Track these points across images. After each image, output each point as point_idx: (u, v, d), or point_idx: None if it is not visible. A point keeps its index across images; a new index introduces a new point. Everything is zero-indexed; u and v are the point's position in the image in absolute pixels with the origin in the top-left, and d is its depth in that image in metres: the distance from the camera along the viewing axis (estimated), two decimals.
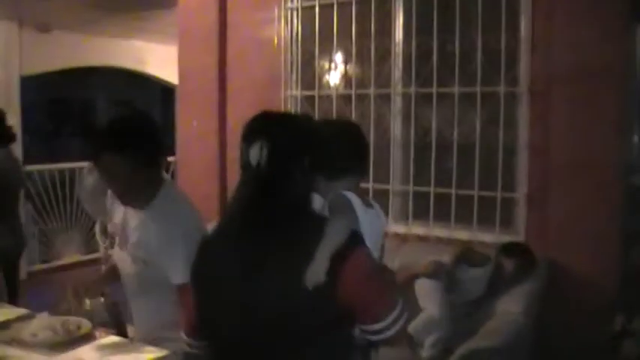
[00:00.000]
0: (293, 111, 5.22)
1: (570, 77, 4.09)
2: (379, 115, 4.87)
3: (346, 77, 5.11)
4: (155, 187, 2.52)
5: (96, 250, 7.17)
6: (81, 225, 7.80)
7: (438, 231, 4.58)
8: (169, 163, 9.04)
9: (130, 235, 2.57)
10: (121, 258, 2.65)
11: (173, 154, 9.21)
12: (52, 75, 8.96)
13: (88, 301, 2.71)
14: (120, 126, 2.46)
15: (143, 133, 2.47)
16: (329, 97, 5.12)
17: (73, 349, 2.46)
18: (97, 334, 2.62)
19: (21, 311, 2.88)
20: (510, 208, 4.43)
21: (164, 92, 10.77)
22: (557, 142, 4.18)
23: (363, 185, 2.74)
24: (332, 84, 5.19)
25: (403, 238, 4.66)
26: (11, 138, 4.67)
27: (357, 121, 4.85)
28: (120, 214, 2.64)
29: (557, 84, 4.16)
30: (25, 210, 7.28)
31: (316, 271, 1.66)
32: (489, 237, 4.38)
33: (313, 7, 5.12)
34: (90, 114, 20.73)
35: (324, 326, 1.73)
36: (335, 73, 5.19)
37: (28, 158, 7.64)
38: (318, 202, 2.15)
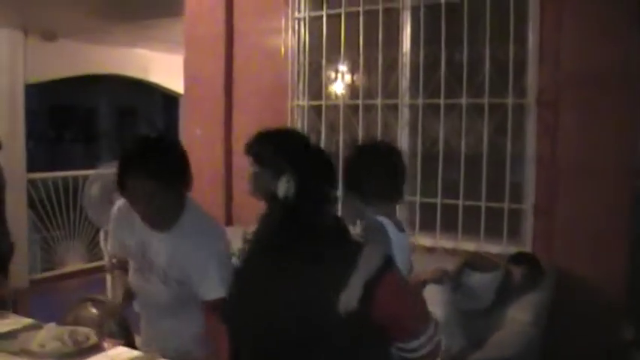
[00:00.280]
0: (299, 121, 5.23)
1: (578, 88, 4.09)
2: (386, 126, 4.85)
3: (353, 87, 5.09)
4: (181, 206, 2.50)
5: (99, 259, 7.17)
6: (84, 233, 7.79)
7: (445, 242, 4.56)
8: None
9: (155, 258, 2.52)
10: (145, 281, 2.59)
11: None
12: (55, 83, 8.97)
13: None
14: (152, 150, 2.40)
15: (176, 157, 2.44)
16: (336, 107, 5.10)
17: None
18: (106, 345, 2.59)
19: (27, 321, 2.85)
20: (518, 218, 4.40)
21: (167, 100, 10.77)
22: (564, 153, 4.17)
23: None
24: (339, 94, 5.17)
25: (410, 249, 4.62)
26: None
27: (364, 131, 4.88)
28: (136, 237, 2.58)
29: (565, 95, 4.15)
30: (27, 217, 7.29)
31: (349, 298, 1.71)
32: (496, 248, 4.34)
33: (320, 17, 5.11)
34: (93, 121, 20.79)
35: (359, 349, 1.78)
36: (342, 83, 5.17)
37: (32, 165, 7.64)
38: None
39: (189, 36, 5.84)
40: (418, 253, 4.53)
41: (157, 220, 2.45)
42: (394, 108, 4.82)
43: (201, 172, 5.77)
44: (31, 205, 7.41)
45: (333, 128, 5.11)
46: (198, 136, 5.77)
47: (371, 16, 4.86)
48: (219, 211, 5.40)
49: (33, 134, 8.33)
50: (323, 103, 5.16)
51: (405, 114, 4.78)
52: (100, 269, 5.72)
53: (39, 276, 7.38)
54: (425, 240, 4.64)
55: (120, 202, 2.64)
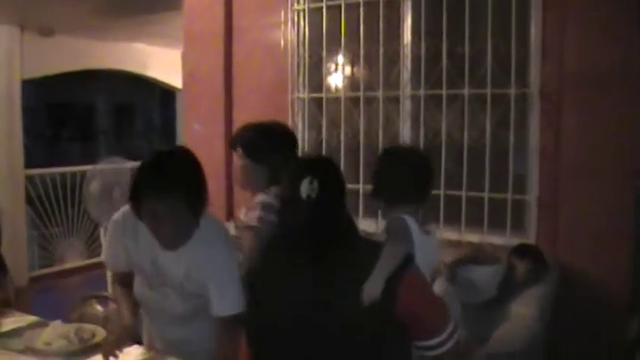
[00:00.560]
0: (300, 114, 5.22)
1: (581, 79, 4.06)
2: (388, 118, 4.83)
3: (354, 79, 5.07)
4: (198, 222, 2.39)
5: (97, 255, 7.14)
6: (83, 229, 7.75)
7: (449, 234, 4.53)
8: None
9: (170, 273, 2.42)
10: (157, 294, 2.50)
11: None
12: (52, 79, 8.92)
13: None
14: (167, 170, 2.28)
15: (192, 173, 2.36)
16: (337, 99, 5.08)
17: (88, 357, 2.42)
18: None
19: (32, 318, 2.83)
20: (521, 210, 4.39)
21: (165, 95, 10.75)
22: (568, 145, 4.15)
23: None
24: (340, 86, 5.14)
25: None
26: None
27: (365, 124, 4.86)
28: (144, 252, 2.45)
29: (568, 86, 4.12)
30: (25, 214, 7.26)
31: (372, 289, 1.78)
32: (500, 240, 4.33)
33: (320, 8, 5.08)
34: (90, 118, 20.74)
35: (382, 345, 1.84)
36: (343, 75, 5.14)
37: (30, 161, 7.61)
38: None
39: (188, 31, 5.80)
40: None
41: (176, 239, 2.35)
42: (395, 100, 4.80)
43: None
44: (29, 201, 7.36)
45: (334, 121, 5.08)
46: (197, 132, 5.74)
47: (371, 7, 4.83)
48: (219, 207, 5.37)
49: (30, 131, 8.27)
50: (324, 95, 5.13)
51: (406, 106, 4.75)
52: (100, 265, 5.69)
53: (38, 273, 7.34)
54: None
55: (123, 210, 2.49)
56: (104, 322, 2.74)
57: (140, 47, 9.03)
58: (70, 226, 7.75)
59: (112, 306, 3.01)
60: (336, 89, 5.16)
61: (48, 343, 2.48)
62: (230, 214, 5.44)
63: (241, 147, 2.91)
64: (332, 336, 1.83)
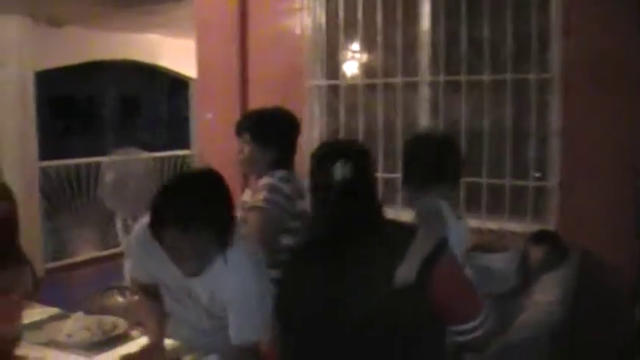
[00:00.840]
0: (316, 101, 5.16)
1: (603, 63, 4.00)
2: (406, 105, 4.78)
3: (372, 66, 4.99)
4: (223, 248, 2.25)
5: (113, 246, 7.13)
6: (97, 221, 7.73)
7: (469, 221, 4.45)
8: (186, 158, 9.03)
9: (193, 292, 2.34)
10: (184, 309, 2.43)
11: (188, 148, 9.30)
12: (62, 71, 8.90)
13: None
14: (194, 198, 2.11)
15: (218, 198, 2.19)
16: (354, 86, 5.02)
17: (111, 349, 2.40)
18: (134, 333, 2.56)
19: (53, 310, 2.82)
20: (542, 197, 4.34)
21: (177, 85, 10.73)
22: (589, 130, 4.09)
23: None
24: (357, 73, 5.08)
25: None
26: None
27: (383, 110, 4.81)
28: (169, 273, 2.32)
29: (589, 70, 4.06)
30: (40, 206, 7.26)
31: (406, 272, 1.76)
32: (521, 227, 4.29)
33: None
34: (100, 109, 20.77)
35: (416, 330, 1.82)
36: (360, 61, 5.08)
37: (43, 154, 7.60)
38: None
39: (201, 19, 5.74)
40: None
41: (196, 270, 2.21)
42: (414, 86, 4.74)
43: (216, 158, 5.72)
44: (44, 193, 7.35)
45: (351, 108, 5.02)
46: (211, 121, 5.70)
47: None
48: (235, 197, 5.32)
49: (43, 123, 8.27)
50: (341, 82, 5.08)
51: (425, 92, 4.69)
52: (114, 257, 5.68)
53: (53, 265, 7.33)
54: None
55: (144, 225, 2.29)
56: (125, 313, 2.70)
57: (151, 37, 8.98)
58: (85, 217, 7.75)
59: (133, 297, 2.97)
60: (353, 76, 5.10)
61: (70, 335, 2.45)
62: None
63: (248, 132, 3.00)
64: (365, 323, 1.81)
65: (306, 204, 2.99)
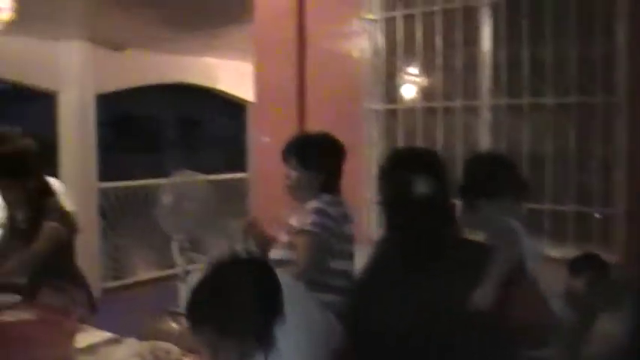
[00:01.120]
0: (374, 125, 5.09)
1: None
2: (466, 129, 4.68)
3: (431, 89, 4.92)
4: None
5: (169, 267, 7.16)
6: (154, 241, 7.79)
7: None
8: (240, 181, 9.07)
9: None
10: None
11: (245, 171, 9.34)
12: (122, 92, 9.06)
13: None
14: (227, 297, 1.88)
15: (266, 297, 1.91)
16: (412, 110, 4.95)
17: None
18: None
19: (107, 335, 2.82)
20: (608, 224, 4.16)
21: (234, 108, 10.83)
22: None
23: None
24: (415, 97, 5.01)
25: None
26: None
27: (444, 134, 4.73)
28: None
29: None
30: (99, 225, 7.37)
31: (483, 297, 1.73)
32: None
33: (395, 17, 4.97)
34: (159, 131, 21.10)
35: (491, 354, 1.77)
36: (418, 85, 5.01)
37: (102, 175, 7.73)
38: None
39: (260, 42, 5.75)
40: None
41: None
42: (474, 110, 4.64)
43: (272, 183, 5.70)
44: (102, 213, 7.47)
45: (409, 132, 4.94)
46: (267, 144, 5.69)
47: (448, 14, 4.69)
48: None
49: (103, 144, 8.43)
50: (399, 106, 5.01)
51: (485, 116, 4.58)
52: (172, 278, 5.67)
53: (111, 284, 7.41)
54: None
55: None
56: (178, 339, 2.66)
57: (208, 60, 9.10)
58: (142, 238, 7.82)
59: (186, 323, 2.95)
60: (412, 99, 5.03)
61: None
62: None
63: (294, 157, 3.10)
64: (440, 343, 1.76)
65: (353, 228, 3.00)
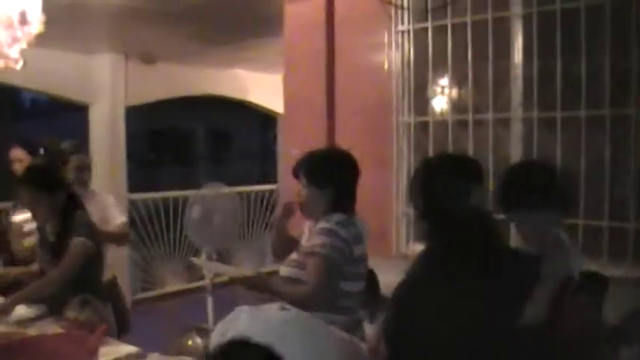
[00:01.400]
0: (405, 138, 5.05)
1: None
2: (498, 142, 4.60)
3: (462, 102, 4.86)
4: None
5: (198, 279, 7.17)
6: (184, 253, 7.81)
7: None
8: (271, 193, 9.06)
9: None
10: None
11: (275, 182, 9.33)
12: (152, 105, 9.13)
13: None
14: None
15: None
16: (443, 123, 4.88)
17: None
18: None
19: (130, 349, 2.78)
20: None
21: (265, 120, 10.87)
22: None
23: None
24: (446, 109, 4.95)
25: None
26: None
27: (475, 147, 4.65)
28: None
29: None
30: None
31: (536, 310, 1.71)
32: (620, 271, 3.99)
33: (425, 29, 4.91)
34: (189, 143, 21.23)
35: None
36: (449, 97, 4.95)
37: (132, 187, 7.78)
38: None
39: (289, 55, 5.75)
40: None
41: None
42: (506, 123, 4.56)
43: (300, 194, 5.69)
44: (132, 224, 7.50)
45: (440, 145, 4.88)
46: (296, 156, 5.66)
47: (479, 26, 4.63)
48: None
49: (133, 156, 8.50)
50: (430, 118, 4.95)
51: (517, 128, 4.51)
52: (201, 289, 5.67)
53: (140, 296, 7.43)
54: None
55: None
56: (204, 355, 2.63)
57: (239, 73, 9.13)
58: (172, 249, 7.85)
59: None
60: (443, 112, 4.97)
61: None
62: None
63: (304, 175, 2.98)
64: (490, 357, 1.72)
65: (365, 248, 2.93)
